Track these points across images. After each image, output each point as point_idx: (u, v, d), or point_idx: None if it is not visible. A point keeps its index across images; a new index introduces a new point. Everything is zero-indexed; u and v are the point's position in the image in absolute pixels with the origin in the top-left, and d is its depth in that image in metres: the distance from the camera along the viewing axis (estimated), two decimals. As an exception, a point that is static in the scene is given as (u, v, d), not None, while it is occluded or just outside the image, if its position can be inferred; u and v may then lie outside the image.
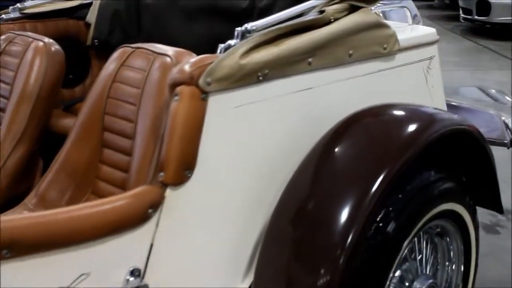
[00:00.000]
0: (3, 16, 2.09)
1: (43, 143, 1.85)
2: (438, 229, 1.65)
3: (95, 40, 2.25)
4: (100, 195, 1.55)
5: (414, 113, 1.56)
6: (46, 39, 1.85)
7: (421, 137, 1.43)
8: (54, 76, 1.78)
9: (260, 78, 1.38)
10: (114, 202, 1.19)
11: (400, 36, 1.86)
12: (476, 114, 2.33)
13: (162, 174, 1.24)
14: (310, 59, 1.51)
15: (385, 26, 1.75)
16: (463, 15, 8.93)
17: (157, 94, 1.46)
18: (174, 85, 1.28)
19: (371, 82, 1.73)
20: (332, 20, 1.61)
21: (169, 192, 1.24)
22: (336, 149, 1.44)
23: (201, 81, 1.27)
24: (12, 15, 2.11)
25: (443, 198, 1.54)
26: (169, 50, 1.52)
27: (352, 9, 1.69)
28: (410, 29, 2.06)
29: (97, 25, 2.25)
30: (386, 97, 1.77)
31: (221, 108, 1.33)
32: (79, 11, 2.26)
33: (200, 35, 2.10)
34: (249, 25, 1.41)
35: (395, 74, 1.82)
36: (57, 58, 1.81)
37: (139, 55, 1.56)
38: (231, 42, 1.38)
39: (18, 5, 2.13)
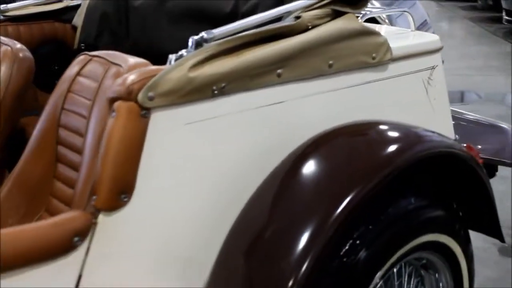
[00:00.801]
0: (-16, 19, 2.01)
1: (12, 153, 1.76)
2: (424, 261, 1.48)
3: (82, 44, 2.16)
4: (53, 212, 1.45)
5: (392, 133, 1.40)
6: (17, 45, 1.76)
7: (395, 160, 1.27)
8: (20, 83, 1.69)
9: (216, 92, 1.25)
10: (37, 229, 1.08)
11: (395, 44, 1.70)
12: (487, 130, 2.13)
13: (94, 197, 1.12)
14: (279, 71, 1.37)
15: (374, 33, 1.59)
16: (506, 17, 8.56)
17: (106, 106, 1.34)
18: (112, 100, 1.16)
19: (358, 94, 1.58)
20: (310, 27, 1.47)
21: (101, 217, 1.12)
22: (298, 172, 1.29)
23: (140, 96, 1.14)
24: (-7, 18, 2.03)
25: (425, 228, 1.37)
26: (125, 59, 1.40)
27: (336, 15, 1.54)
28: (411, 36, 1.89)
29: (84, 28, 2.15)
30: (376, 111, 1.62)
31: (169, 125, 1.20)
32: (66, 14, 2.17)
33: (186, 39, 1.97)
34: (206, 33, 1.28)
35: (387, 86, 1.66)
36: (25, 65, 1.71)
37: (95, 64, 1.45)
38: (184, 52, 1.25)
39: (0, 7, 2.05)
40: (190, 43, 1.27)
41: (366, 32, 1.56)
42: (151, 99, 1.16)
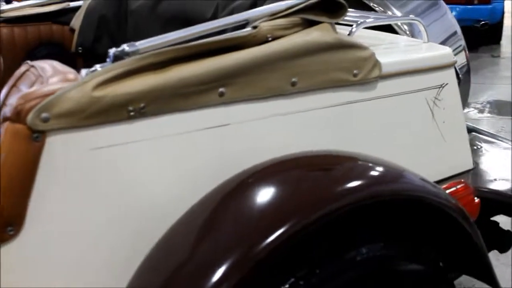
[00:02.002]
0: (-22, 20, 1.96)
1: None
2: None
3: (79, 48, 2.07)
4: None
5: (348, 169, 1.18)
6: None
7: (334, 200, 1.05)
8: None
9: (132, 113, 1.09)
10: None
11: (390, 58, 1.47)
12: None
13: None
14: (221, 89, 1.19)
15: (355, 47, 1.36)
16: None
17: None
18: (3, 121, 1.03)
19: (333, 117, 1.36)
20: (270, 38, 1.27)
21: None
22: (222, 204, 1.10)
23: (31, 118, 1.00)
24: (-13, 19, 1.98)
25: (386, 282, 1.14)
26: (52, 72, 1.26)
27: (308, 25, 1.33)
28: (417, 48, 1.63)
29: (82, 31, 2.06)
30: (357, 136, 1.40)
31: (70, 150, 1.05)
32: (64, 16, 2.09)
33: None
34: (128, 46, 1.12)
35: (374, 108, 1.43)
36: None
37: (27, 76, 1.32)
38: (98, 66, 1.10)
39: (-4, 7, 1.99)
40: (109, 56, 1.12)
41: (344, 45, 1.34)
42: (45, 120, 1.01)
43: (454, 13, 6.58)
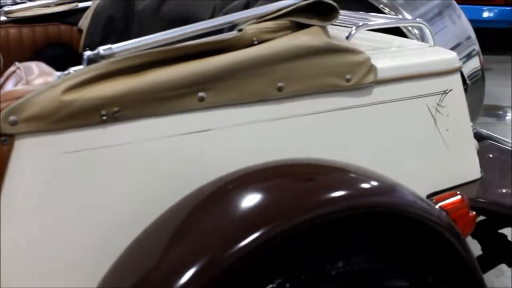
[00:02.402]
0: (-14, 20, 1.98)
1: None
2: None
3: (87, 48, 2.06)
4: None
5: (327, 178, 1.13)
6: None
7: (306, 211, 1.00)
8: None
9: (105, 118, 1.07)
10: None
11: (389, 63, 1.42)
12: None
13: None
14: (202, 94, 1.15)
15: (348, 51, 1.31)
16: None
17: None
18: None
19: (323, 123, 1.32)
20: (255, 42, 1.23)
21: None
22: (182, 218, 1.07)
23: None
24: (-4, 19, 2.00)
25: None
26: (35, 72, 1.25)
27: (298, 28, 1.29)
28: (420, 52, 1.57)
29: (89, 31, 2.05)
30: (348, 143, 1.35)
31: (40, 154, 1.04)
32: (72, 16, 2.09)
33: None
34: (103, 49, 1.10)
35: (368, 114, 1.37)
36: None
37: (13, 78, 1.32)
38: (72, 70, 1.08)
39: (4, 8, 2.00)
40: (83, 59, 1.10)
41: (335, 49, 1.29)
42: (13, 124, 1.00)
43: (491, 14, 6.40)
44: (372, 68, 1.35)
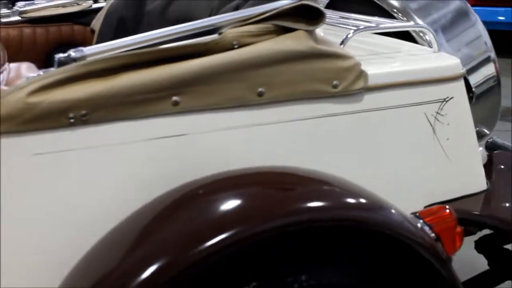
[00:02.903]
0: (1, 19, 2.02)
1: None
2: None
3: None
4: None
5: (285, 189, 1.09)
6: None
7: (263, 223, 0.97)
8: None
9: (72, 120, 1.06)
10: None
11: (379, 69, 1.36)
12: None
13: None
14: (175, 98, 1.14)
15: (335, 56, 1.27)
16: None
17: None
18: None
19: (311, 130, 1.28)
20: (236, 46, 1.21)
21: None
22: (144, 222, 1.06)
23: None
24: (11, 19, 2.04)
25: None
26: (14, 73, 1.27)
27: (283, 33, 1.26)
28: (421, 57, 1.51)
29: (101, 32, 2.07)
30: (341, 152, 1.31)
31: (9, 155, 1.04)
32: (85, 17, 2.11)
33: None
34: (74, 51, 1.10)
35: (358, 122, 1.33)
36: None
37: (1, 76, 1.34)
38: (41, 71, 1.08)
39: (18, 8, 2.04)
40: (55, 62, 1.10)
41: (320, 54, 1.25)
42: None
43: (507, 16, 6.06)
44: (362, 74, 1.30)
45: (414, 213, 1.21)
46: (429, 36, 1.53)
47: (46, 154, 1.06)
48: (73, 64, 1.08)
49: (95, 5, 2.13)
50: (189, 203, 1.06)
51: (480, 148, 1.66)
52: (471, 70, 1.73)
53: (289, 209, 1.00)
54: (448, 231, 1.19)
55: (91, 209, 1.10)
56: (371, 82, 1.32)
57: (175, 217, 1.04)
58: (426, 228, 1.16)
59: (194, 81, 1.14)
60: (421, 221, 1.17)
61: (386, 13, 1.83)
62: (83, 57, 1.10)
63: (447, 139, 1.45)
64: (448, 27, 1.78)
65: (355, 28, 1.49)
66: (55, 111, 1.04)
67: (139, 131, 1.13)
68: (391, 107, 1.36)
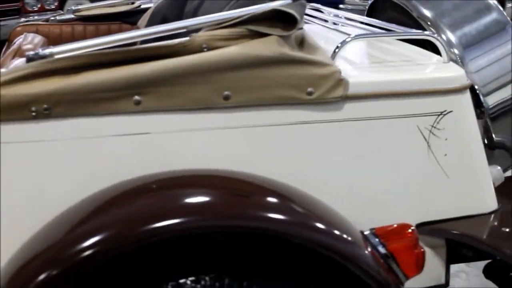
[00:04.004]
0: (57, 17, 2.18)
1: None
2: None
3: (143, 46, 2.18)
4: None
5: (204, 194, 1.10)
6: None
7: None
8: None
9: (34, 114, 1.14)
10: None
11: (364, 78, 1.32)
12: None
13: None
14: (137, 97, 1.18)
15: (309, 63, 1.25)
16: None
17: None
18: None
19: (282, 137, 1.27)
20: (205, 49, 1.23)
21: None
22: (67, 216, 1.12)
23: None
24: (66, 17, 2.19)
25: None
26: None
27: (257, 37, 1.26)
28: (422, 66, 1.43)
29: (146, 31, 2.16)
30: (316, 160, 1.29)
31: None
32: (133, 16, 2.22)
33: None
34: (42, 49, 1.17)
35: (338, 131, 1.29)
36: None
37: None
38: (11, 66, 1.17)
39: (73, 7, 2.19)
40: (26, 58, 1.18)
41: (292, 60, 1.23)
42: None
43: None
44: (341, 82, 1.27)
45: (371, 229, 1.16)
46: (439, 45, 1.45)
47: (14, 144, 1.14)
48: (39, 61, 1.16)
49: (143, 6, 2.22)
50: (125, 196, 1.11)
51: (497, 167, 1.54)
52: (495, 87, 1.62)
53: (196, 213, 1.02)
54: (406, 251, 1.14)
55: (49, 198, 1.17)
56: (353, 90, 1.28)
57: (88, 215, 1.11)
58: (379, 246, 1.11)
59: (156, 82, 1.18)
60: (376, 239, 1.12)
61: (417, 24, 1.75)
62: (51, 55, 1.17)
63: (445, 154, 1.37)
64: (479, 42, 1.66)
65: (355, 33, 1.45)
66: (17, 104, 1.13)
67: (101, 128, 1.18)
68: (376, 117, 1.31)
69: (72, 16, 2.19)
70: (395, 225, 1.19)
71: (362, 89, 1.29)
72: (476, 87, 1.53)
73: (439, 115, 1.35)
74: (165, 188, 1.16)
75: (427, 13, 1.68)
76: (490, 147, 1.67)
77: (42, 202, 1.17)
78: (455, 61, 1.60)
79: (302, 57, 1.25)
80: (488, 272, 1.53)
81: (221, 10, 1.65)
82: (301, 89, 1.25)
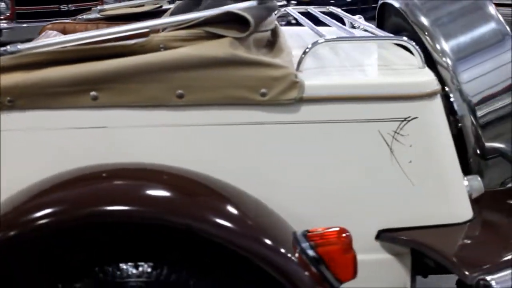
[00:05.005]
0: (84, 16, 2.31)
1: None
2: None
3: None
4: None
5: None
6: None
7: None
8: None
9: None
10: None
11: (324, 81, 1.33)
12: None
13: None
14: (94, 93, 1.25)
15: (262, 65, 1.27)
16: None
17: None
18: None
19: (231, 136, 1.30)
20: (162, 49, 1.28)
21: None
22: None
23: None
24: (92, 16, 2.31)
25: None
26: None
27: (213, 38, 1.30)
28: (387, 72, 1.42)
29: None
30: (263, 160, 1.32)
31: None
32: (157, 16, 2.30)
33: None
34: (10, 46, 1.27)
35: (290, 132, 1.30)
36: None
37: None
38: (-17, 61, 1.28)
39: (99, 7, 2.31)
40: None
41: (243, 62, 1.26)
42: None
43: None
44: (296, 85, 1.28)
45: (304, 231, 1.17)
46: (413, 51, 1.42)
47: None
48: (7, 56, 1.26)
49: (165, 6, 2.31)
50: (76, 180, 1.23)
51: (477, 178, 1.49)
52: (487, 96, 1.56)
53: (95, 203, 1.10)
54: (336, 254, 1.14)
55: (11, 182, 1.26)
56: (309, 93, 1.30)
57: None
58: (308, 249, 1.12)
59: (111, 79, 1.25)
60: (306, 242, 1.13)
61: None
62: (18, 51, 1.27)
63: (410, 161, 1.35)
64: (474, 52, 1.61)
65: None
66: None
67: (59, 120, 1.27)
68: (334, 121, 1.31)
69: (98, 15, 2.31)
70: (330, 229, 1.18)
71: (319, 92, 1.30)
72: (451, 95, 1.49)
73: (402, 121, 1.33)
74: (113, 177, 1.23)
75: (423, 20, 1.65)
76: (483, 157, 1.61)
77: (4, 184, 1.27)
78: (447, 69, 1.57)
79: (255, 59, 1.27)
80: (460, 284, 1.48)
81: None
82: (254, 90, 1.27)
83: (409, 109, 1.33)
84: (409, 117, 1.33)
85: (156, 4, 2.34)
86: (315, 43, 1.37)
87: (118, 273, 1.19)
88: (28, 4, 6.28)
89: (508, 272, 1.18)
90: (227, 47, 1.26)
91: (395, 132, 1.33)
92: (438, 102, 1.37)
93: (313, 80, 1.32)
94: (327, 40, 1.40)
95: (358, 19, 1.94)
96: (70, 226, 1.15)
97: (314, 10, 2.05)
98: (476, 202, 1.47)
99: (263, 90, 1.27)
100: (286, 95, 1.28)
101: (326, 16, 1.93)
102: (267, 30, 1.45)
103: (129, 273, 1.19)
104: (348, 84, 1.33)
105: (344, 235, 1.16)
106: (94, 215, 1.13)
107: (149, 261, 1.19)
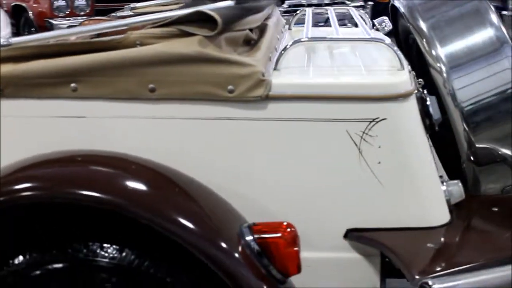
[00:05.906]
0: (117, 13, 2.43)
1: None
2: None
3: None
4: None
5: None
6: None
7: None
8: None
9: None
10: None
11: (292, 79, 1.36)
12: None
13: None
14: (73, 85, 1.35)
15: (229, 62, 1.32)
16: None
17: None
18: None
19: (200, 130, 1.36)
20: (138, 45, 1.36)
21: None
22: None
23: None
24: (124, 13, 2.43)
25: None
26: None
27: (186, 36, 1.36)
28: (360, 72, 1.42)
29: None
30: (227, 154, 1.37)
31: None
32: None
33: None
34: (3, 40, 1.39)
35: (256, 128, 1.34)
36: None
37: None
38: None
39: (131, 5, 2.43)
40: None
41: (210, 59, 1.31)
42: None
43: None
44: (262, 83, 1.32)
45: (250, 224, 1.21)
46: (390, 52, 1.42)
47: None
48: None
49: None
50: (53, 161, 1.34)
51: (458, 183, 1.46)
52: (479, 101, 1.52)
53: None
54: (279, 248, 1.17)
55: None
56: (276, 91, 1.33)
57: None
58: (252, 243, 1.16)
59: (89, 72, 1.34)
60: (250, 235, 1.17)
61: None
62: (8, 45, 1.38)
63: (378, 162, 1.35)
64: (471, 60, 1.57)
65: None
66: None
67: (42, 109, 1.37)
68: (300, 119, 1.34)
69: (130, 12, 2.43)
70: (276, 222, 1.21)
71: (285, 91, 1.33)
72: (428, 98, 1.47)
73: (371, 121, 1.33)
74: (85, 163, 1.32)
75: (422, 25, 1.63)
76: (477, 163, 1.58)
77: None
78: (440, 73, 1.55)
79: (222, 56, 1.32)
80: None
81: None
82: (222, 86, 1.32)
83: (377, 110, 1.33)
84: (377, 118, 1.33)
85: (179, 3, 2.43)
86: (297, 41, 1.41)
87: (85, 251, 1.27)
88: (107, 1, 6.57)
89: (455, 278, 1.16)
90: (195, 45, 1.32)
91: (364, 132, 1.34)
92: (410, 104, 1.36)
93: (282, 78, 1.35)
94: (296, 42, 1.42)
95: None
96: (43, 201, 1.25)
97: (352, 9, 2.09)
98: (467, 208, 1.46)
99: (230, 87, 1.32)
100: (252, 92, 1.32)
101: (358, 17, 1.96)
102: (244, 29, 1.49)
103: (97, 252, 1.28)
104: (317, 84, 1.35)
105: (288, 229, 1.19)
106: (58, 197, 1.22)
107: (116, 244, 1.27)
